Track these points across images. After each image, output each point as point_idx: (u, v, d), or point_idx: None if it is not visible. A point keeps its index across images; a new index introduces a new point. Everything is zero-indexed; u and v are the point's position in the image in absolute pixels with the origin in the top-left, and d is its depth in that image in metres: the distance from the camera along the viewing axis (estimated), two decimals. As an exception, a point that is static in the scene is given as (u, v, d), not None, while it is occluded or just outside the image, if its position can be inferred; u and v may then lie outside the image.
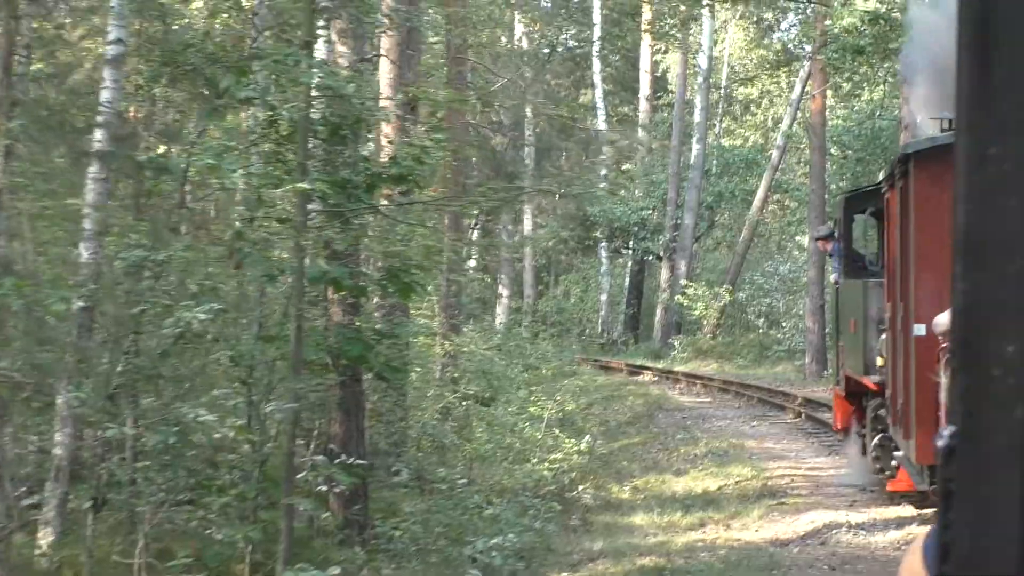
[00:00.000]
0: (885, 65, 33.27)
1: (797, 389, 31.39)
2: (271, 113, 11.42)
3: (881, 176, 18.02)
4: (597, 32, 49.52)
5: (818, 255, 32.55)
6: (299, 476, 12.97)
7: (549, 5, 49.72)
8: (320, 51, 14.48)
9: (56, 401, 11.99)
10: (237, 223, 11.43)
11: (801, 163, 49.85)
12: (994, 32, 1.26)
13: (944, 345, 11.40)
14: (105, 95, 12.16)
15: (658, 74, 54.78)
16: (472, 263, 46.25)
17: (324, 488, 13.35)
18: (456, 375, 21.89)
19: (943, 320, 10.57)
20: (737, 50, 55.84)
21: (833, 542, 15.23)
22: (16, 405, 12.08)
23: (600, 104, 51.72)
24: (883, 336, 16.31)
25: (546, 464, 19.48)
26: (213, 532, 12.03)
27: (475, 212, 35.90)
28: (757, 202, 46.01)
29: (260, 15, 14.18)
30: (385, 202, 13.67)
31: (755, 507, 17.55)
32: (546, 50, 45.91)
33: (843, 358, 19.19)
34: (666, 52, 53.65)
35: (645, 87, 51.55)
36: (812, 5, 36.90)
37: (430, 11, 23.88)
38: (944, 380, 12.00)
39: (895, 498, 16.77)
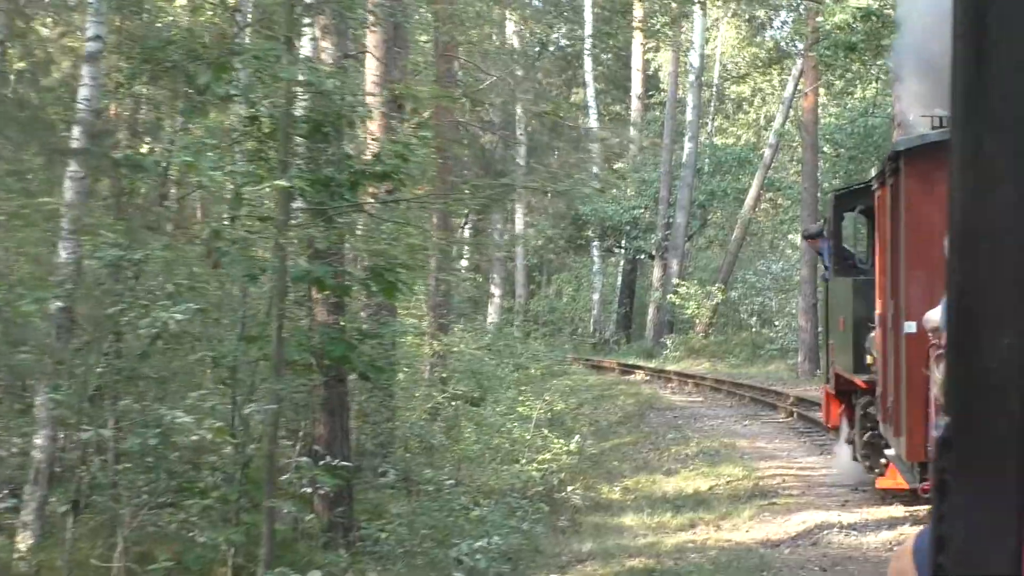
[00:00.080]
0: (878, 62, 33.10)
1: (789, 388, 31.27)
2: (252, 110, 11.25)
3: (872, 174, 17.89)
4: (588, 30, 49.33)
5: (810, 254, 32.46)
6: (283, 478, 12.81)
7: (540, 3, 49.52)
8: (306, 48, 14.33)
9: (35, 403, 11.83)
10: (214, 222, 11.23)
11: (794, 161, 49.79)
12: (988, 26, 1.28)
13: (934, 342, 11.29)
14: (83, 92, 11.97)
15: (650, 72, 54.67)
16: (464, 263, 46.15)
17: (308, 490, 13.16)
18: (444, 375, 21.73)
19: (933, 317, 10.46)
20: (729, 48, 55.72)
21: (824, 543, 15.07)
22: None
23: (592, 103, 51.58)
24: (872, 334, 16.24)
25: (534, 465, 19.32)
26: (196, 535, 11.85)
27: (464, 211, 35.75)
28: (749, 200, 45.90)
29: (243, 11, 14.01)
30: (370, 200, 13.50)
31: (746, 507, 17.40)
32: (536, 48, 45.69)
33: (832, 356, 19.10)
34: (658, 50, 53.52)
35: (637, 85, 51.43)
36: (804, 2, 36.78)
37: (421, 9, 23.72)
38: (935, 376, 11.89)
39: (887, 497, 16.65)
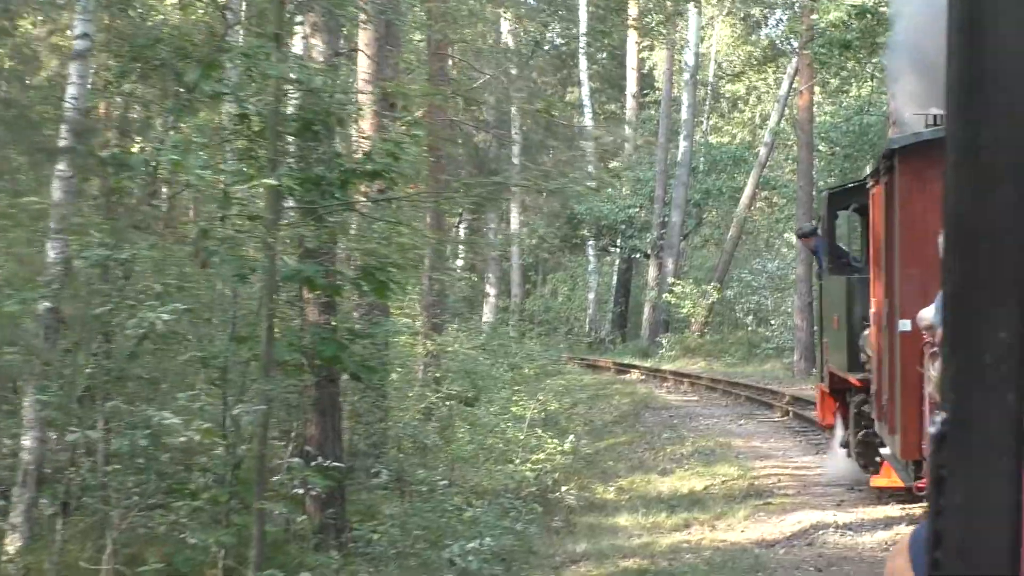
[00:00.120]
0: (873, 60, 33.02)
1: (785, 387, 31.16)
2: (242, 108, 11.14)
3: (868, 172, 17.87)
4: (583, 28, 49.25)
5: (806, 252, 32.32)
6: (274, 479, 12.71)
7: (535, 1, 49.41)
8: (298, 47, 14.23)
9: (24, 404, 11.72)
10: (201, 222, 11.13)
11: (789, 160, 49.68)
12: (985, 19, 1.28)
13: (928, 340, 11.25)
14: (71, 91, 11.88)
15: (645, 71, 54.60)
16: (459, 262, 46.05)
17: (300, 491, 13.08)
18: (438, 375, 21.64)
19: (926, 315, 10.40)
20: (724, 47, 55.64)
21: (820, 543, 14.98)
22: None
23: (587, 102, 51.53)
24: (866, 332, 16.19)
25: (528, 465, 19.23)
26: (187, 536, 11.74)
27: (458, 211, 35.63)
28: (745, 199, 45.82)
29: (233, 9, 13.91)
30: (361, 199, 13.40)
31: (741, 507, 17.33)
32: (531, 47, 45.59)
33: (826, 354, 19.08)
34: (652, 49, 53.44)
35: (632, 84, 51.39)
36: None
37: (414, 8, 23.62)
38: (930, 373, 11.83)
39: (883, 497, 16.59)
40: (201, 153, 11.70)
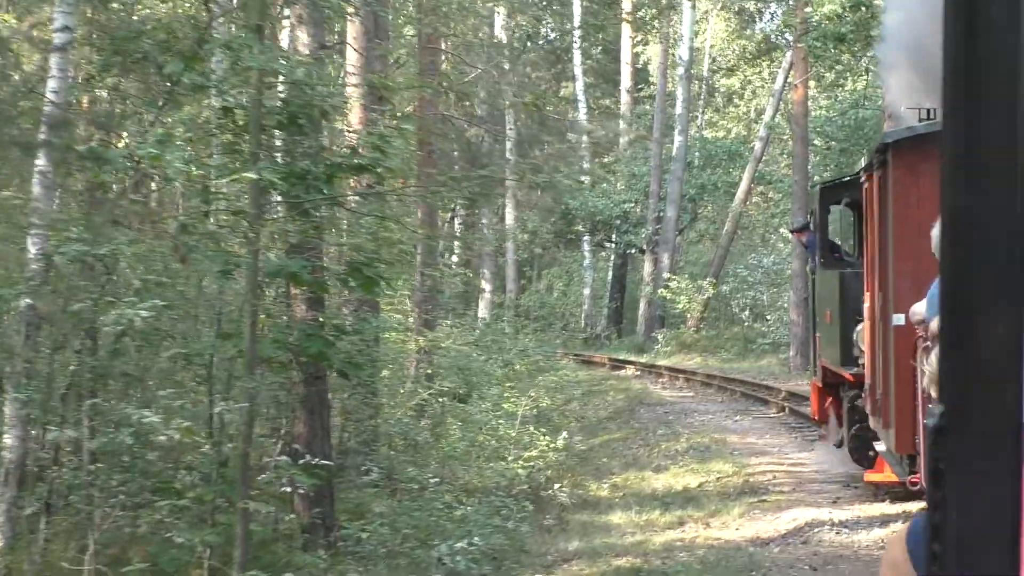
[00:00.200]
0: (868, 53, 32.86)
1: (781, 383, 31.03)
2: (224, 100, 10.96)
3: (862, 164, 17.81)
4: (577, 22, 49.06)
5: (801, 247, 32.21)
6: (261, 477, 12.54)
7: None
8: (287, 41, 14.06)
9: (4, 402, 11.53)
10: (181, 216, 10.94)
11: (784, 154, 49.54)
12: (979, 9, 1.28)
13: (921, 334, 11.14)
14: (51, 84, 11.69)
15: (639, 66, 54.43)
16: (455, 258, 45.89)
17: (288, 489, 12.90)
18: (430, 371, 21.46)
19: (919, 309, 10.27)
20: (719, 41, 55.46)
21: (815, 541, 14.82)
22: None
23: (581, 97, 51.34)
24: (860, 327, 16.11)
25: (520, 462, 19.04)
26: (173, 536, 11.56)
27: (451, 206, 35.48)
28: (740, 194, 45.65)
29: (218, 1, 13.71)
30: (347, 193, 13.25)
31: (736, 505, 17.18)
32: (524, 40, 45.40)
33: (819, 349, 19.04)
34: (647, 44, 53.26)
35: (626, 79, 51.19)
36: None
37: (406, 1, 23.47)
38: (924, 368, 11.70)
39: (879, 494, 16.47)
40: (186, 146, 11.53)
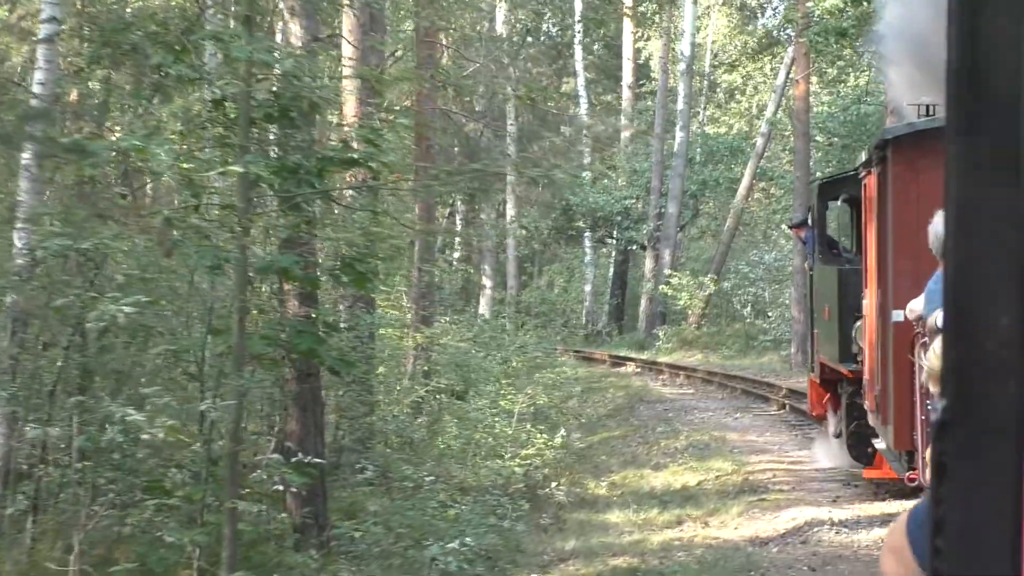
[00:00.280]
0: (869, 49, 32.69)
1: (782, 380, 30.88)
2: (212, 93, 10.78)
3: (860, 161, 17.76)
4: (578, 16, 48.89)
5: (800, 243, 32.07)
6: (252, 476, 12.36)
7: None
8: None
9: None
10: (166, 210, 10.76)
11: (786, 151, 49.37)
12: (984, 3, 1.27)
13: (918, 330, 11.05)
14: (38, 76, 11.53)
15: (641, 62, 54.24)
16: (456, 254, 45.75)
17: (280, 488, 12.72)
18: (427, 368, 21.28)
19: (916, 306, 10.15)
20: (720, 36, 55.29)
21: (815, 540, 14.65)
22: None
23: (582, 92, 51.20)
24: (859, 323, 16.06)
25: (517, 460, 18.86)
26: (163, 535, 11.38)
27: (450, 201, 35.30)
28: (742, 190, 45.51)
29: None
30: (339, 188, 13.06)
31: (735, 503, 17.02)
32: (523, 35, 45.21)
33: (817, 345, 19.00)
34: (648, 39, 53.09)
35: (628, 75, 51.01)
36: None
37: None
38: (922, 363, 11.59)
39: (879, 493, 16.35)
40: (177, 140, 11.35)
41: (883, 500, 16.04)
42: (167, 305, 11.70)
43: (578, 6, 48.86)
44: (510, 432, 20.16)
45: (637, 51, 52.15)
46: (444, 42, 26.30)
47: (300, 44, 13.38)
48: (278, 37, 15.72)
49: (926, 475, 10.73)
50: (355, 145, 12.21)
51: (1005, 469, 1.29)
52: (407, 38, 26.49)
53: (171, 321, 12.26)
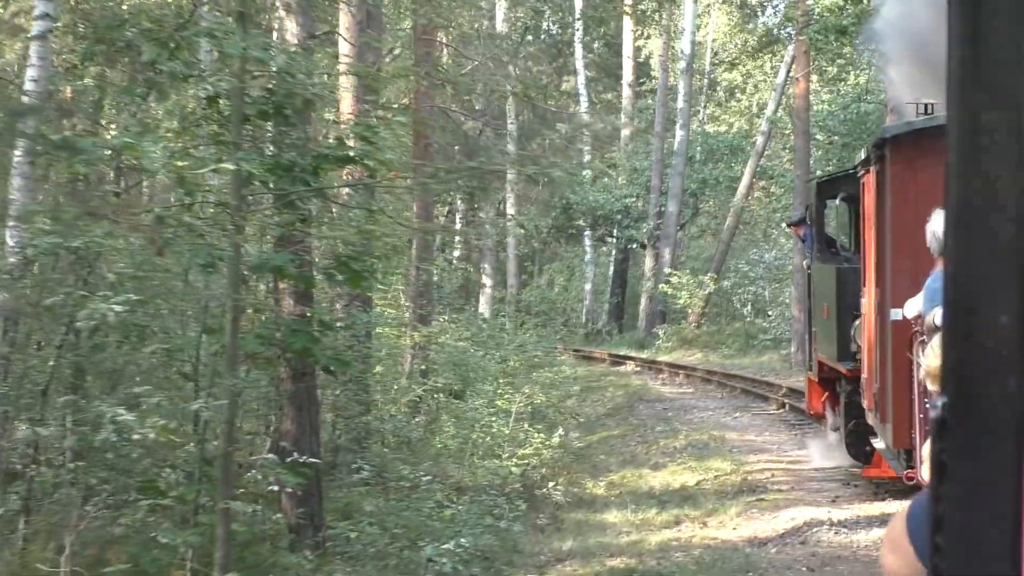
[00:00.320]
0: (870, 47, 32.60)
1: (782, 379, 30.78)
2: (204, 90, 10.68)
3: (859, 160, 17.74)
4: (578, 14, 48.77)
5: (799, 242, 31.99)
6: (247, 476, 12.27)
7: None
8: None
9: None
10: (157, 208, 10.66)
11: (787, 149, 49.26)
12: (985, 1, 1.27)
13: (916, 329, 11.01)
14: (31, 73, 11.44)
15: (641, 60, 54.15)
16: (456, 253, 45.64)
17: (275, 488, 12.62)
18: (424, 367, 21.18)
19: (914, 304, 10.09)
20: (721, 35, 55.19)
21: (814, 541, 14.57)
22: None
23: (583, 91, 51.10)
24: (857, 322, 16.02)
25: (514, 460, 18.76)
26: (158, 536, 11.29)
27: (448, 200, 35.17)
28: (742, 189, 45.42)
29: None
30: (335, 186, 12.97)
31: (733, 503, 16.94)
32: (522, 32, 45.10)
33: (815, 344, 18.99)
34: (648, 38, 52.99)
35: (628, 73, 50.90)
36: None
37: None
38: (920, 361, 11.55)
39: (879, 493, 16.27)
40: (171, 137, 11.27)
41: (882, 500, 15.97)
42: (163, 304, 11.60)
43: (578, 4, 48.72)
44: (507, 432, 20.06)
45: (637, 49, 52.06)
46: (443, 40, 26.20)
47: (296, 41, 13.29)
48: (275, 34, 15.60)
49: (923, 472, 10.68)
50: (351, 143, 12.12)
51: (1005, 467, 1.30)
52: (406, 36, 26.39)
53: (166, 320, 12.16)
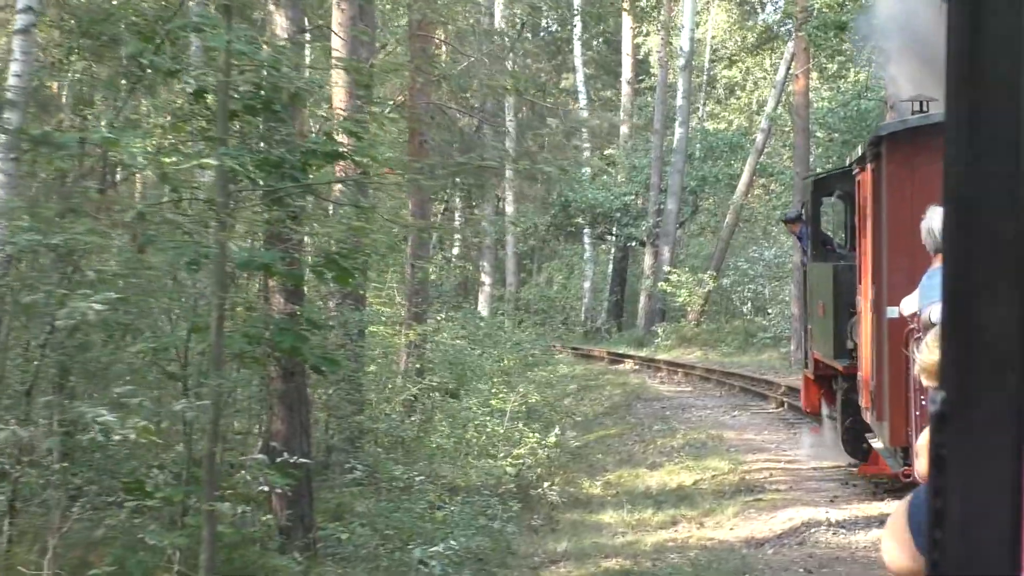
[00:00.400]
0: (869, 43, 32.45)
1: (781, 377, 30.59)
2: (186, 83, 10.50)
3: (854, 157, 17.68)
4: (576, 10, 48.63)
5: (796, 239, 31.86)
6: (236, 477, 12.11)
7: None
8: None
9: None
10: (139, 204, 10.49)
11: (786, 146, 49.10)
12: None
13: (912, 326, 10.88)
14: (14, 67, 11.25)
15: (640, 57, 53.99)
16: (455, 250, 45.48)
17: (265, 489, 12.44)
18: (420, 366, 21.00)
19: (910, 301, 9.95)
20: (720, 32, 55.01)
21: (811, 542, 14.40)
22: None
23: (582, 88, 50.95)
24: (853, 320, 16.00)
25: (509, 460, 18.59)
26: (145, 537, 11.12)
27: (444, 197, 35.00)
28: (742, 186, 45.26)
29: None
30: (327, 181, 12.81)
31: (730, 504, 16.78)
32: (518, 29, 44.91)
33: (811, 341, 18.96)
34: (647, 35, 52.82)
35: (627, 71, 50.74)
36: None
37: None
38: (916, 357, 11.38)
39: (878, 492, 16.13)
40: (158, 133, 11.10)
41: (881, 500, 15.80)
42: (152, 302, 11.41)
43: (576, 0, 48.57)
44: (502, 431, 19.88)
45: (636, 47, 51.89)
46: (439, 36, 26.03)
47: (286, 35, 13.12)
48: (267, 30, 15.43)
49: (918, 466, 10.52)
50: (340, 138, 11.95)
51: (1003, 461, 1.30)
52: (402, 32, 26.22)
53: (155, 318, 11.98)
